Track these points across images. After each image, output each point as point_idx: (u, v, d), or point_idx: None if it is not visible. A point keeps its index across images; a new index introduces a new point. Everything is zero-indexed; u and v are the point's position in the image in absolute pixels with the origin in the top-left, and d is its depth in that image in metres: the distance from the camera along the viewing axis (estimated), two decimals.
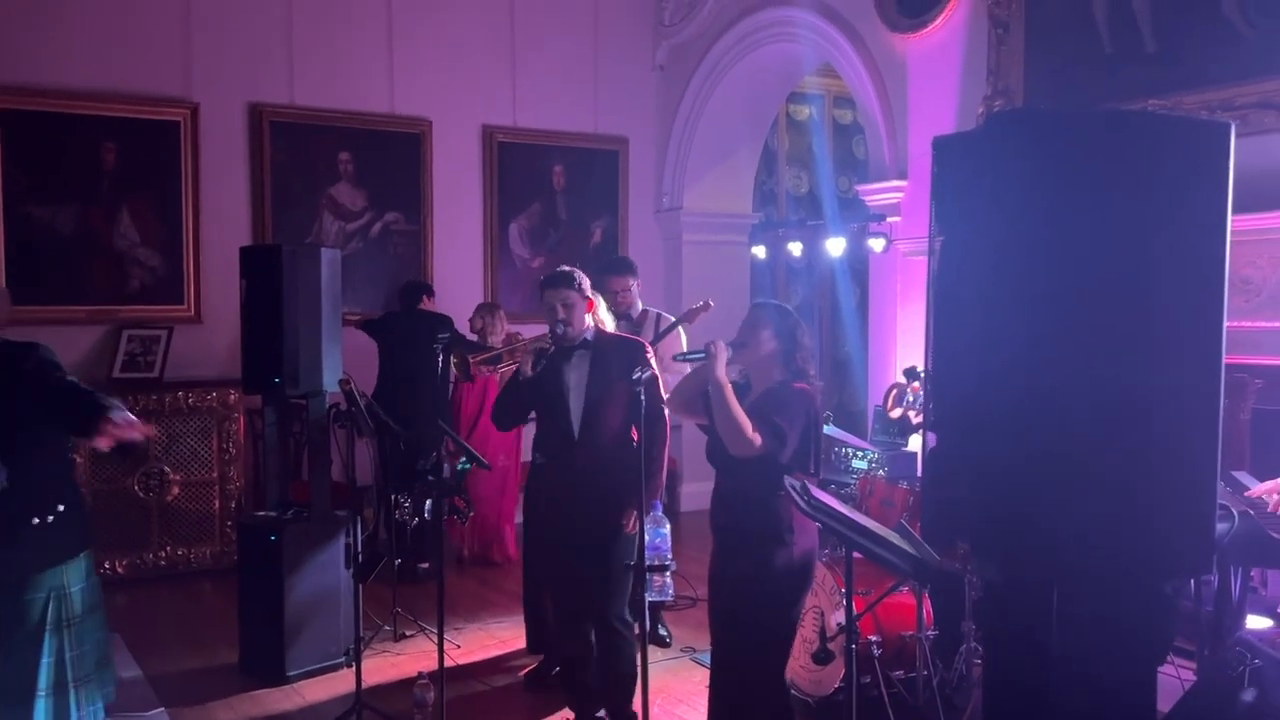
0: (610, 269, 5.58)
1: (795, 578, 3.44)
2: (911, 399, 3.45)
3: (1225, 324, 2.11)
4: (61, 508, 3.12)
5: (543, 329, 5.30)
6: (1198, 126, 2.49)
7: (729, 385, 3.34)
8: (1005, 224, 2.01)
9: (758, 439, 3.28)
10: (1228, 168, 2.02)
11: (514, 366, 4.74)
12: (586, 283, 4.19)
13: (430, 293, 6.96)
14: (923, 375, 3.48)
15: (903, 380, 3.55)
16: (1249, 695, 2.83)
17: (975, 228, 2.08)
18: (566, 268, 4.25)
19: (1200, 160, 2.02)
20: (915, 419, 3.45)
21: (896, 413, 3.64)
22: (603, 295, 4.98)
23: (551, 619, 4.50)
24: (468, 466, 4.45)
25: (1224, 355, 2.11)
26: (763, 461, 3.34)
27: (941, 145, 2.11)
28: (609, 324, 4.74)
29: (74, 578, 3.16)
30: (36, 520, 3.05)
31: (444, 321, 6.65)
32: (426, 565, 6.37)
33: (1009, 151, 2.01)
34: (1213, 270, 2.06)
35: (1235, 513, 2.64)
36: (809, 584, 3.59)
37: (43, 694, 3.06)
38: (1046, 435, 2.01)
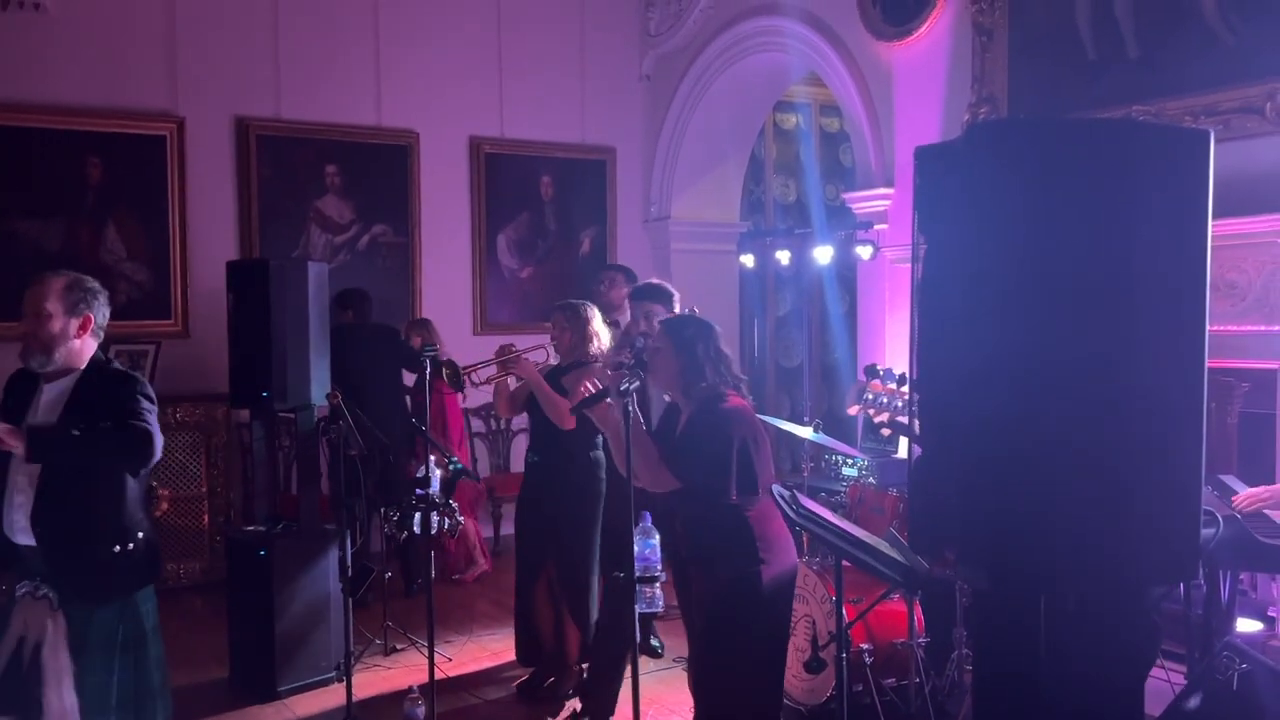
0: (603, 267, 5.88)
1: (773, 600, 3.30)
2: (871, 397, 3.43)
3: (1208, 328, 2.12)
4: (140, 534, 3.11)
5: (534, 339, 5.36)
6: (1177, 134, 2.51)
7: (634, 422, 3.20)
8: (987, 232, 2.02)
9: (665, 474, 3.21)
10: (1208, 174, 2.03)
11: (506, 376, 4.74)
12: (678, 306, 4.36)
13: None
14: (882, 373, 3.46)
15: (863, 379, 3.53)
16: (1194, 701, 2.83)
17: (958, 236, 2.08)
18: (667, 285, 4.46)
19: (1180, 167, 2.03)
20: (876, 418, 3.42)
21: (854, 410, 3.61)
22: (594, 291, 5.08)
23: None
24: (459, 468, 4.44)
25: (1206, 359, 2.11)
26: (690, 493, 3.28)
27: (923, 155, 2.12)
28: (605, 336, 4.76)
29: (143, 597, 3.17)
30: (118, 548, 3.04)
31: (395, 332, 6.60)
32: (420, 581, 6.32)
33: (990, 161, 2.02)
34: (1194, 275, 2.07)
35: (1220, 518, 2.65)
36: (790, 601, 3.51)
37: (114, 711, 3.06)
38: (1030, 443, 2.01)
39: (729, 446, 3.20)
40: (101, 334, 3.12)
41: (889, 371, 3.44)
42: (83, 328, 3.06)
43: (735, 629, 3.27)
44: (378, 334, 6.59)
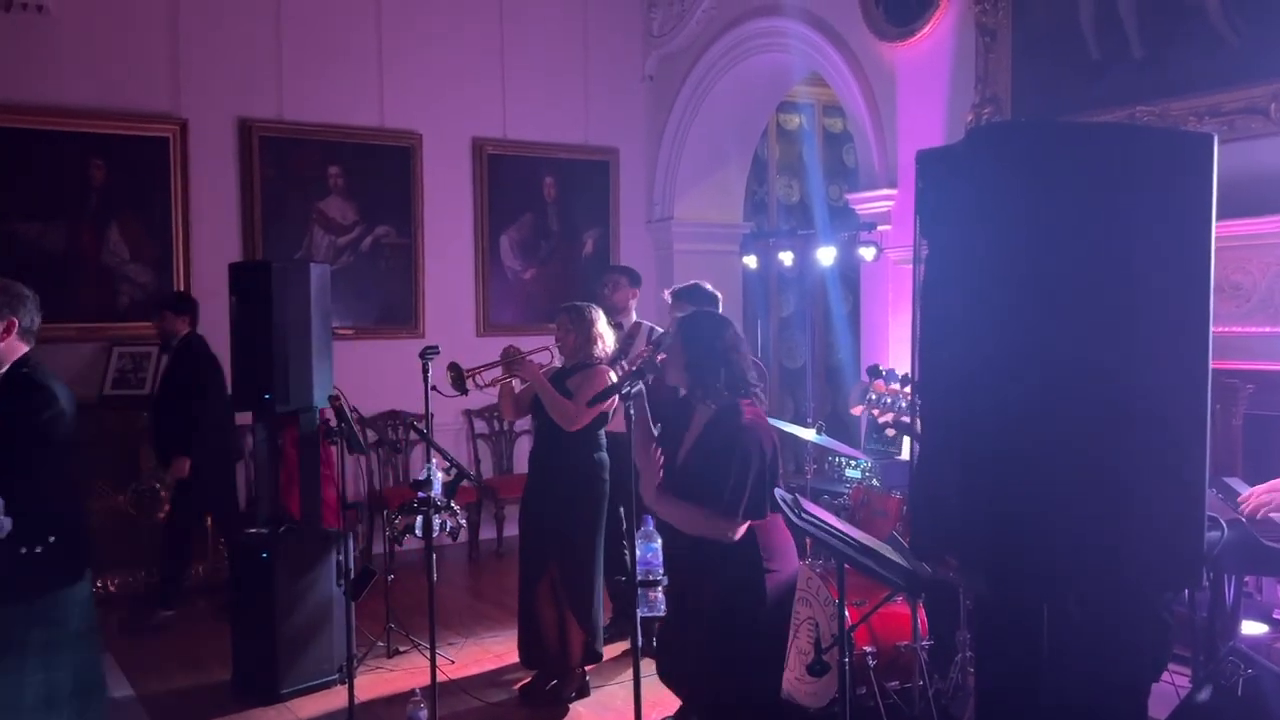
0: (615, 269, 6.06)
1: (777, 606, 3.33)
2: (875, 397, 3.42)
3: (1211, 330, 2.11)
4: (53, 539, 3.11)
5: (537, 340, 5.35)
6: (1180, 137, 2.50)
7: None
8: (989, 236, 2.01)
9: (723, 526, 3.20)
10: (1211, 178, 2.02)
11: (510, 379, 4.74)
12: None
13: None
14: (885, 373, 3.46)
15: (866, 379, 3.53)
16: (1205, 694, 2.82)
17: (960, 239, 2.08)
18: (707, 287, 4.70)
19: (1183, 170, 2.02)
20: (880, 418, 3.41)
21: (858, 410, 3.61)
22: (597, 294, 5.08)
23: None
24: (462, 470, 4.44)
25: (1210, 361, 2.10)
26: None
27: (924, 158, 2.11)
28: (609, 339, 4.75)
29: (62, 599, 3.14)
30: (24, 550, 3.04)
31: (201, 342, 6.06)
32: (171, 613, 5.89)
33: (991, 164, 2.01)
34: (1198, 277, 2.06)
35: (1223, 522, 2.64)
36: (790, 605, 3.51)
37: (28, 713, 3.05)
38: (1032, 445, 2.00)
39: (749, 469, 3.20)
40: (31, 338, 3.21)
41: (891, 372, 3.44)
42: (6, 331, 3.14)
43: (740, 635, 3.27)
44: (207, 351, 6.01)
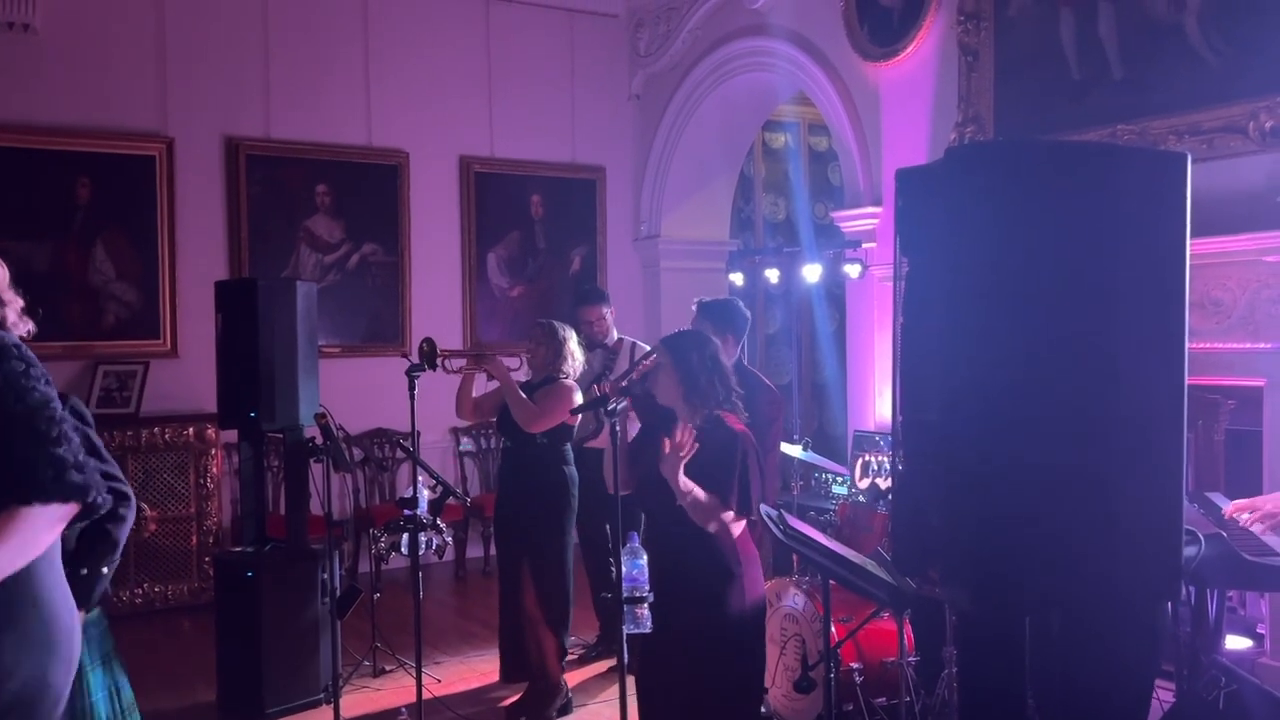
0: (581, 300, 5.70)
1: (749, 623, 3.30)
2: (876, 467, 3.49)
3: (1187, 345, 2.14)
4: None
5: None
6: (1154, 156, 2.53)
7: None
8: (967, 253, 2.04)
9: (727, 519, 3.18)
10: (1185, 195, 2.06)
11: (478, 370, 4.78)
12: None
13: None
14: (878, 440, 3.52)
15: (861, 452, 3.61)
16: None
17: (939, 257, 2.10)
18: (736, 305, 4.62)
19: (1158, 189, 2.05)
20: (884, 485, 3.47)
21: (865, 483, 3.68)
22: (576, 328, 5.04)
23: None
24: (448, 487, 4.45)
25: (1187, 377, 2.13)
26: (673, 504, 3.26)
27: (903, 177, 2.14)
28: (579, 358, 4.78)
29: None
30: None
31: None
32: None
33: (969, 183, 2.04)
34: (1173, 293, 2.09)
35: (1202, 536, 2.66)
36: (762, 628, 3.47)
37: None
38: (1011, 460, 2.02)
39: (737, 469, 3.22)
40: None
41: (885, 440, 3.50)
42: None
43: (714, 641, 3.27)
44: None
